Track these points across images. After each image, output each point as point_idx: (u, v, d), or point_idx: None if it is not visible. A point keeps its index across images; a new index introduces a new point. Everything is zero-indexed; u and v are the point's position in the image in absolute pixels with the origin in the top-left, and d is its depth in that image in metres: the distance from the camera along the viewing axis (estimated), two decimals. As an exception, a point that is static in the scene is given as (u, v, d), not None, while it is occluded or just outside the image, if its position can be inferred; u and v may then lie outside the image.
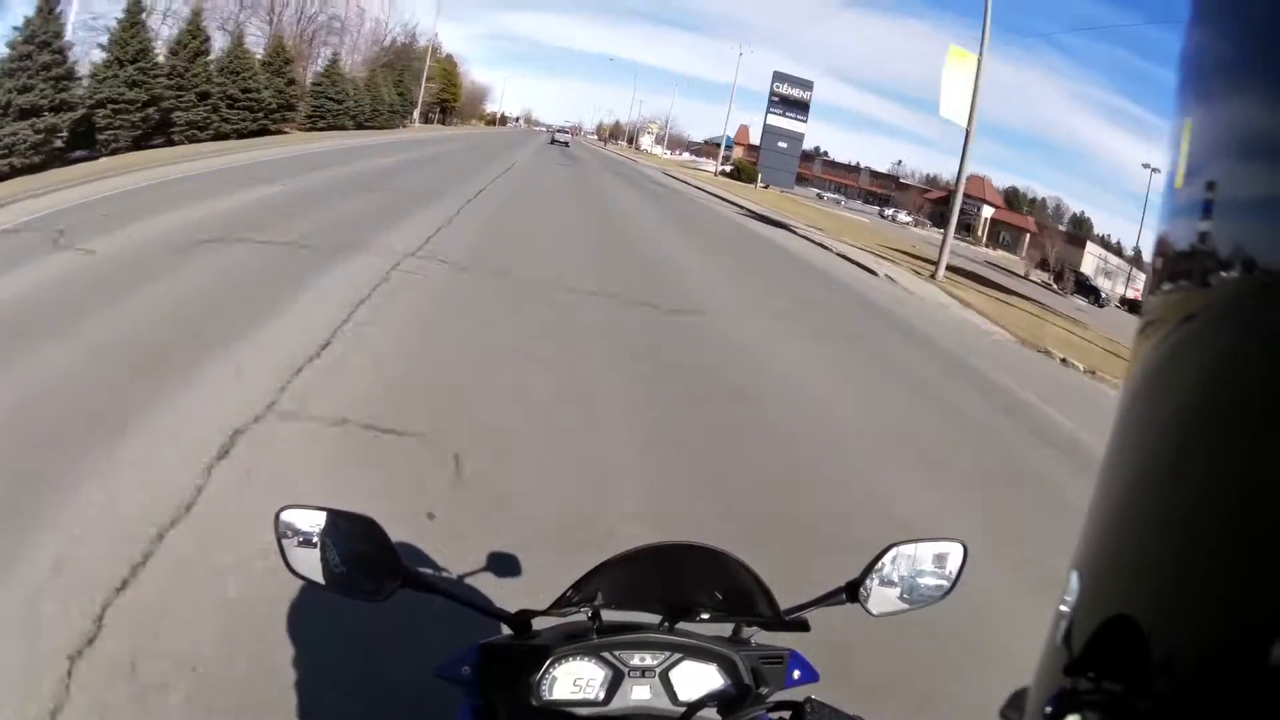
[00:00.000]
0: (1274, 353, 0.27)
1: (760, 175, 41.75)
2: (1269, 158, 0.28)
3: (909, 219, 52.40)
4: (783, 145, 47.28)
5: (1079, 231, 55.56)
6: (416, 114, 41.36)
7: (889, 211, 53.29)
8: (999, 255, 45.87)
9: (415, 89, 40.54)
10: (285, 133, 23.54)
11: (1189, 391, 0.31)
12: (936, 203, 63.49)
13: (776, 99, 48.53)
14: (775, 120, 48.03)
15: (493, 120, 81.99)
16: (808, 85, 50.26)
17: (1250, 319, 0.28)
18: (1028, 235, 55.91)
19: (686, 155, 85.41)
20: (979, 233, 57.56)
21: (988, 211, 59.29)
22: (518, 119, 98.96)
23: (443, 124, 53.40)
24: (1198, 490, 0.29)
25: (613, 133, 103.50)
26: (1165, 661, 0.29)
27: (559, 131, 54.63)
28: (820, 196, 53.58)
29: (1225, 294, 0.30)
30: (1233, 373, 0.28)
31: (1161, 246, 0.35)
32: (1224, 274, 0.30)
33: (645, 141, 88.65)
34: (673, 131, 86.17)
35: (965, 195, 59.81)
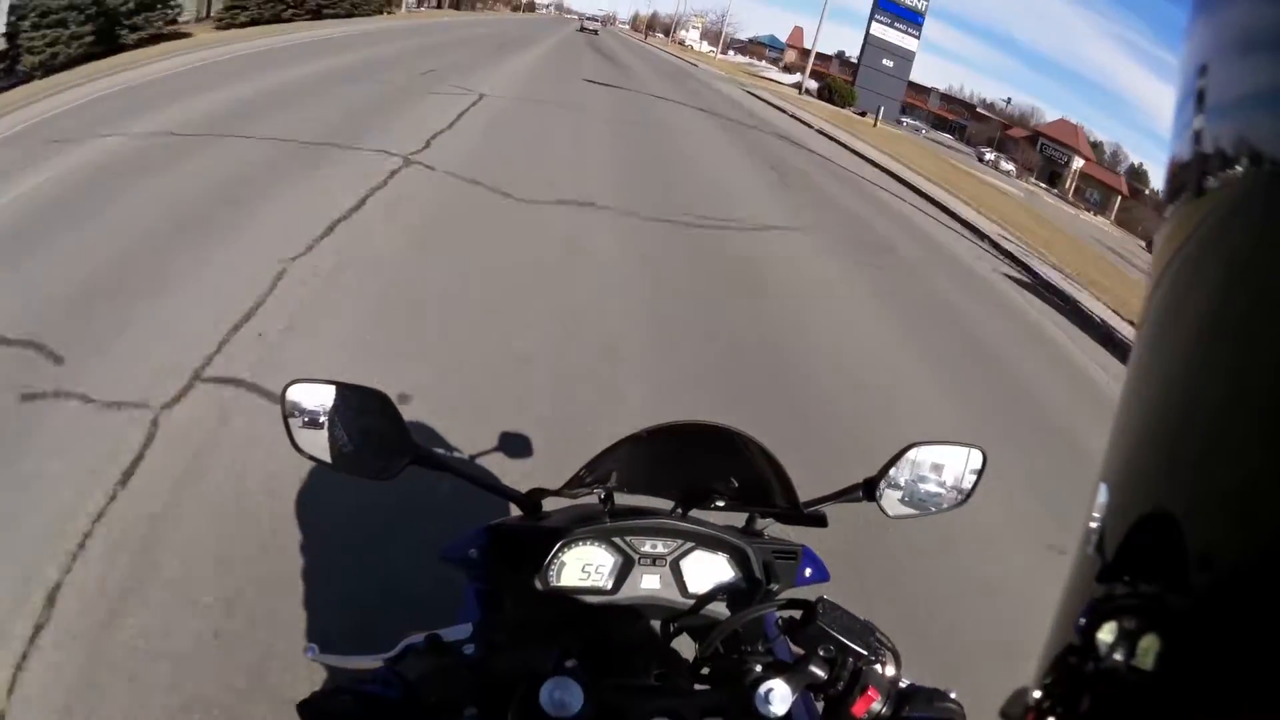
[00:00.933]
0: None
1: (859, 100, 32.92)
2: (1270, 49, 0.27)
3: (1010, 167, 44.13)
4: (888, 64, 36.86)
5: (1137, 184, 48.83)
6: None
7: (989, 155, 45.02)
8: (1102, 225, 38.28)
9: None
10: (183, 37, 14.56)
11: (1214, 289, 0.30)
12: (1024, 143, 55.22)
13: (883, 2, 36.85)
14: (880, 31, 37.00)
15: (519, 6, 72.09)
16: (927, -13, 37.44)
17: (1265, 212, 0.27)
18: (1118, 198, 48.51)
19: (734, 55, 75.28)
20: (1066, 185, 50.04)
21: (1078, 163, 51.53)
22: (548, 6, 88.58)
23: (455, 8, 43.97)
24: (1227, 385, 0.28)
25: (650, 25, 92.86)
26: (1202, 557, 0.27)
27: (588, 20, 52.57)
28: (899, 122, 44.76)
29: (1238, 190, 0.29)
30: (1256, 267, 0.28)
31: (1172, 166, 0.34)
32: (1234, 170, 0.29)
33: (689, 37, 78.04)
34: (718, 28, 75.27)
35: (1055, 142, 49.64)
